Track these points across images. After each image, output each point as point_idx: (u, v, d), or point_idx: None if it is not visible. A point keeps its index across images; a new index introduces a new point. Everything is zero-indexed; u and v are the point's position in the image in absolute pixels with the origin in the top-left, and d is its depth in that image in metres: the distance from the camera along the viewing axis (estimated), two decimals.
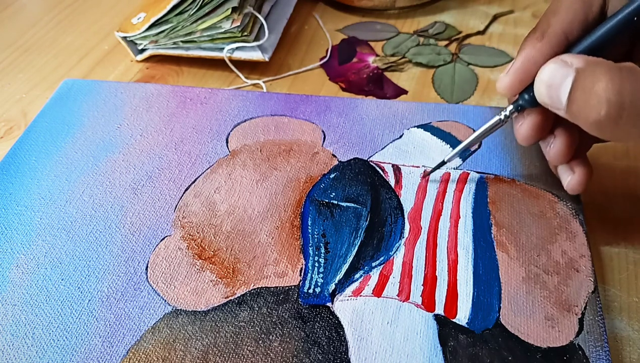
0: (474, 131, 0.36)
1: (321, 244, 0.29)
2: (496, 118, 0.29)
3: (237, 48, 0.43)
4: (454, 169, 0.33)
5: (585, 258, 0.28)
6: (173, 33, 0.43)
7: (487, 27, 0.48)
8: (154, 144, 0.36)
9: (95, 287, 0.28)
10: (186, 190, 0.33)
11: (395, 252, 0.29)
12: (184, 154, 0.35)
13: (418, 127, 0.36)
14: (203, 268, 0.29)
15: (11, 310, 0.28)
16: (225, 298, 0.28)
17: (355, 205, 0.31)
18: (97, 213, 0.32)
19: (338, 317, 0.26)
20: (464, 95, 0.41)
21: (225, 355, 0.25)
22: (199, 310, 0.27)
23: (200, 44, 0.43)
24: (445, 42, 0.46)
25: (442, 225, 0.30)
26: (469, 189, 0.32)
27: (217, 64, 0.45)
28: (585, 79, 0.23)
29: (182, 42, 0.43)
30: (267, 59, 0.43)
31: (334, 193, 0.32)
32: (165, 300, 0.28)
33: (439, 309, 0.27)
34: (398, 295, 0.27)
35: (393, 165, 0.34)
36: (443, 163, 0.32)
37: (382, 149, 0.35)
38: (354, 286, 0.28)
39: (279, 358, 0.25)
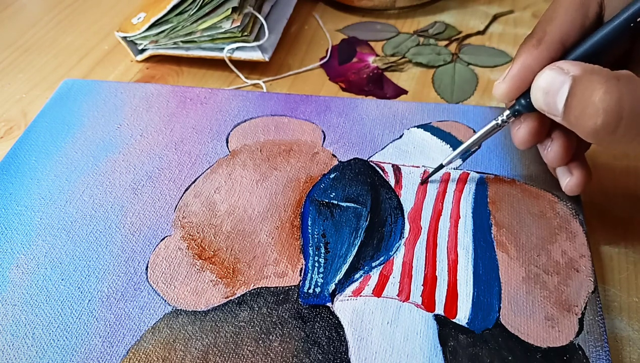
0: (474, 131, 0.36)
1: (321, 244, 0.29)
2: (493, 123, 0.29)
3: (237, 48, 0.43)
4: (454, 169, 0.33)
5: (585, 258, 0.28)
6: (173, 33, 0.43)
7: (487, 27, 0.48)
8: (154, 144, 0.36)
9: (95, 287, 0.28)
10: (186, 190, 0.33)
11: (395, 252, 0.29)
12: (184, 153, 0.35)
13: (418, 127, 0.36)
14: (203, 269, 0.29)
15: (11, 310, 0.28)
16: (225, 298, 0.28)
17: (355, 205, 0.31)
18: (97, 213, 0.32)
19: (338, 317, 0.26)
20: (464, 95, 0.41)
21: (225, 355, 0.25)
22: (199, 310, 0.27)
23: (201, 44, 0.43)
24: (445, 42, 0.46)
25: (442, 225, 0.30)
26: (469, 189, 0.32)
27: (217, 64, 0.45)
28: (582, 87, 0.23)
29: (182, 42, 0.43)
30: (267, 59, 0.43)
31: (334, 193, 0.32)
32: (165, 300, 0.28)
33: (439, 309, 0.27)
34: (398, 295, 0.27)
35: (393, 165, 0.34)
36: (441, 166, 0.32)
37: (382, 149, 0.35)
38: (354, 286, 0.28)
39: (279, 358, 0.25)
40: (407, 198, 0.32)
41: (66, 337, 0.26)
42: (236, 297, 0.28)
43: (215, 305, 0.27)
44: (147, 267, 0.29)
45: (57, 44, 0.50)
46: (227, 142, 0.36)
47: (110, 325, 0.27)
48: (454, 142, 0.35)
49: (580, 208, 0.31)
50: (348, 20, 0.50)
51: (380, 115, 0.37)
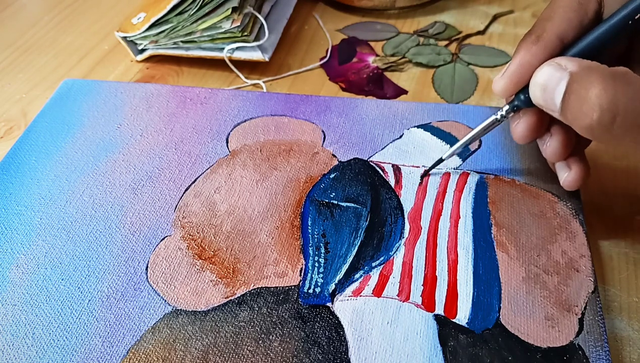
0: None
1: (321, 244, 0.29)
2: (492, 117, 0.29)
3: (237, 48, 0.43)
4: (454, 169, 0.33)
5: (585, 258, 0.28)
6: (173, 33, 0.43)
7: (487, 27, 0.48)
8: (154, 144, 0.36)
9: (95, 287, 0.28)
10: (186, 190, 0.33)
11: (395, 252, 0.29)
12: (184, 154, 0.35)
13: (418, 127, 0.36)
14: (203, 268, 0.29)
15: (11, 310, 0.28)
16: (225, 298, 0.28)
17: (355, 205, 0.31)
18: (97, 213, 0.32)
19: (338, 317, 0.26)
20: (464, 95, 0.41)
21: (225, 355, 0.25)
22: (199, 310, 0.27)
23: (201, 44, 0.43)
24: (445, 42, 0.46)
25: (442, 225, 0.30)
26: (469, 189, 0.32)
27: (217, 64, 0.45)
28: (579, 83, 0.23)
29: (182, 42, 0.43)
30: (267, 59, 0.43)
31: (334, 194, 0.32)
32: (165, 300, 0.28)
33: (439, 309, 0.27)
34: (398, 295, 0.27)
35: (393, 165, 0.34)
36: (441, 160, 0.32)
37: (382, 149, 0.35)
38: (354, 286, 0.28)
39: (279, 358, 0.25)
40: (407, 198, 0.32)
41: (66, 337, 0.26)
42: (236, 297, 0.28)
43: (215, 305, 0.27)
44: (147, 267, 0.29)
45: (57, 44, 0.50)
46: (227, 142, 0.36)
47: (110, 325, 0.27)
48: (454, 142, 0.35)
49: (580, 208, 0.31)
50: (348, 20, 0.50)
51: (380, 115, 0.37)
